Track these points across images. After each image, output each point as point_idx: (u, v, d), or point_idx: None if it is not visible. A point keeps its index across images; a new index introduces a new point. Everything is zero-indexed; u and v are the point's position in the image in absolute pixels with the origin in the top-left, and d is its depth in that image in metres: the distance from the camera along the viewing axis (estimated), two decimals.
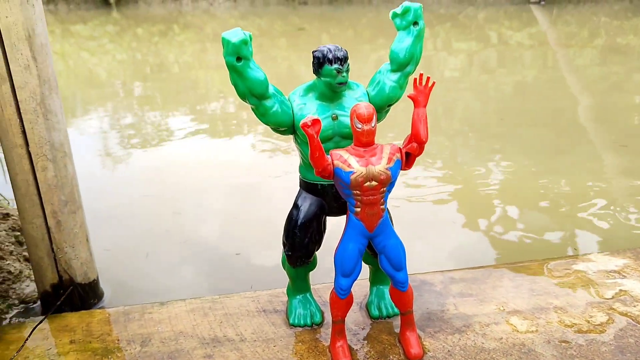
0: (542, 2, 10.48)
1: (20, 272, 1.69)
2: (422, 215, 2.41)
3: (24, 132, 1.37)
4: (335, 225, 1.43)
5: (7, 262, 1.68)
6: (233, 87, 1.18)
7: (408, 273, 1.25)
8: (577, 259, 1.63)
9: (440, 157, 3.11)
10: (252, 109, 1.22)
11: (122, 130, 3.86)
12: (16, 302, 1.64)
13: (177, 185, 2.73)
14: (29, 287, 1.67)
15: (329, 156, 1.14)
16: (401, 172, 1.18)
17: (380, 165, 1.13)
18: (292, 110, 1.24)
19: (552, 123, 3.72)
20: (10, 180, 1.45)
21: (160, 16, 11.24)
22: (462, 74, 5.41)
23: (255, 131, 3.53)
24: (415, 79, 1.14)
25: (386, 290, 1.44)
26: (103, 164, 3.19)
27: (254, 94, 1.18)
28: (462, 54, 6.37)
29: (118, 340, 1.39)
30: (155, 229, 2.28)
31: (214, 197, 2.60)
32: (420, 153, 1.17)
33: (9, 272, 1.66)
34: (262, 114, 1.22)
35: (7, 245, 1.74)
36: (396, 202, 2.45)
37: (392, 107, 1.30)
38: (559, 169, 2.83)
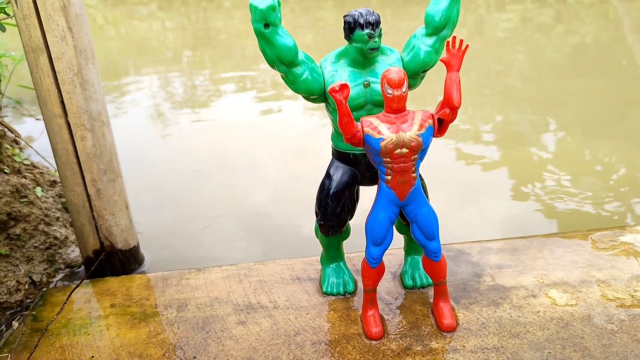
0: None
1: (66, 237, 1.76)
2: (471, 180, 2.35)
3: (62, 102, 1.40)
4: (371, 195, 1.41)
5: (54, 227, 1.75)
6: (262, 54, 1.16)
7: (445, 242, 1.22)
8: (625, 230, 1.55)
9: (491, 120, 3.01)
10: (282, 77, 1.20)
11: (171, 97, 3.91)
12: (62, 266, 1.71)
13: (224, 153, 2.76)
14: (74, 252, 1.74)
15: (359, 123, 1.12)
16: (446, 136, 1.14)
17: (411, 132, 1.10)
18: (323, 78, 1.21)
19: (611, 86, 3.53)
20: (52, 149, 1.49)
21: None
22: (516, 35, 5.19)
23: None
24: (448, 42, 1.10)
25: (421, 260, 1.42)
26: (150, 130, 3.25)
27: (282, 62, 1.16)
28: (516, 14, 6.10)
29: (156, 305, 1.43)
30: (199, 196, 2.31)
31: (262, 164, 2.61)
32: (453, 119, 1.12)
33: (55, 238, 1.73)
34: (292, 82, 1.19)
35: (53, 212, 1.80)
36: (443, 167, 2.39)
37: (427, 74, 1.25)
38: (616, 135, 2.69)
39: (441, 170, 2.38)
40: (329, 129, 1.32)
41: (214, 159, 2.69)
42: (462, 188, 2.28)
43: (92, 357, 1.27)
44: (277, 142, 2.85)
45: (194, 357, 1.24)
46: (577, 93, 3.41)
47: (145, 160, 2.71)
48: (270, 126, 3.14)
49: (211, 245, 1.95)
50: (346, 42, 1.19)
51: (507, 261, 1.46)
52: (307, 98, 1.25)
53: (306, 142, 2.79)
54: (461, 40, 1.09)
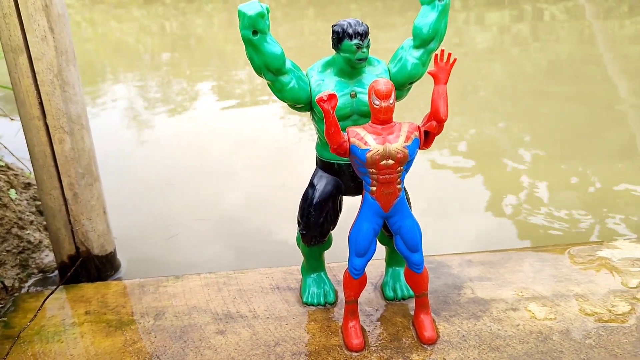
0: None
1: (40, 241, 1.71)
2: (446, 192, 2.36)
3: (41, 104, 1.37)
4: (352, 205, 1.40)
5: (27, 231, 1.70)
6: (249, 61, 1.15)
7: (425, 254, 1.23)
8: (602, 245, 1.57)
9: (467, 132, 3.04)
10: (269, 85, 1.19)
11: (148, 99, 3.87)
12: (35, 271, 1.67)
13: (202, 158, 2.73)
14: (48, 257, 1.69)
15: (345, 133, 1.12)
16: (425, 148, 1.14)
17: (397, 143, 1.10)
18: (310, 87, 1.21)
19: (586, 101, 3.60)
20: (29, 151, 1.46)
21: None
22: (494, 48, 5.26)
23: (282, 103, 3.51)
24: (436, 55, 1.10)
25: (402, 271, 1.41)
26: (128, 134, 3.21)
27: (270, 69, 1.15)
28: (494, 28, 6.20)
29: (132, 312, 1.40)
30: (177, 202, 2.28)
31: (241, 171, 2.59)
32: (439, 132, 1.13)
33: (29, 242, 1.69)
34: (279, 90, 1.19)
35: (27, 215, 1.76)
36: (419, 177, 2.40)
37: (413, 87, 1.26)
38: (590, 150, 2.74)
39: (415, 181, 2.39)
40: (307, 135, 1.32)
41: (193, 164, 2.67)
42: (436, 199, 2.29)
43: None
44: (257, 148, 2.83)
45: None
46: (552, 108, 3.47)
47: (122, 165, 2.67)
48: (249, 132, 3.13)
49: (190, 251, 1.92)
50: (333, 52, 1.19)
51: (487, 274, 1.46)
52: (293, 107, 1.24)
53: (285, 149, 2.78)
54: (449, 54, 1.10)
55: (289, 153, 2.72)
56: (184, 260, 1.87)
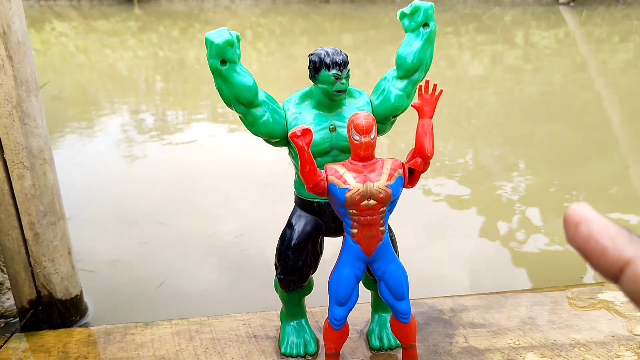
0: (572, 4, 10.18)
1: (2, 283, 1.60)
2: (438, 220, 2.27)
3: None
4: (337, 245, 1.30)
5: None
6: (218, 93, 1.06)
7: (414, 296, 1.12)
8: (604, 287, 1.47)
9: (460, 158, 2.96)
10: (240, 118, 1.10)
11: (141, 128, 3.78)
12: None
13: (189, 192, 2.63)
14: (10, 301, 1.58)
15: (323, 171, 1.02)
16: (410, 187, 1.05)
17: (379, 182, 1.00)
18: (286, 120, 1.11)
19: (577, 129, 3.54)
20: None
21: (182, 13, 11.22)
22: (487, 76, 5.23)
23: None
24: (420, 87, 1.01)
25: (389, 318, 1.31)
26: (117, 165, 3.11)
27: (240, 102, 1.05)
28: (487, 56, 6.18)
29: None
30: (153, 235, 2.17)
31: (224, 203, 2.49)
32: (425, 169, 1.03)
33: None
34: (251, 124, 1.09)
35: None
36: (410, 205, 2.31)
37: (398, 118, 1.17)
38: (582, 178, 2.66)
39: (406, 207, 2.30)
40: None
41: (179, 199, 2.56)
42: (427, 226, 2.20)
43: None
44: (242, 181, 2.74)
45: None
46: (545, 135, 3.41)
47: (110, 196, 2.57)
48: (240, 159, 3.04)
49: (165, 291, 1.81)
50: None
51: (481, 320, 1.35)
52: (268, 141, 1.14)
53: (276, 183, 2.68)
54: (435, 85, 1.01)
55: (279, 185, 2.63)
56: (159, 301, 1.75)
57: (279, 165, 2.84)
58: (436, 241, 2.10)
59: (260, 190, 2.59)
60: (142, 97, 4.81)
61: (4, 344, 1.32)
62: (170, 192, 2.61)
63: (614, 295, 1.43)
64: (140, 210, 2.42)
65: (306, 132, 0.96)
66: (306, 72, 1.10)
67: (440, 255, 2.01)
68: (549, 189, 2.54)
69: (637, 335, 1.28)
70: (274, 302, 1.42)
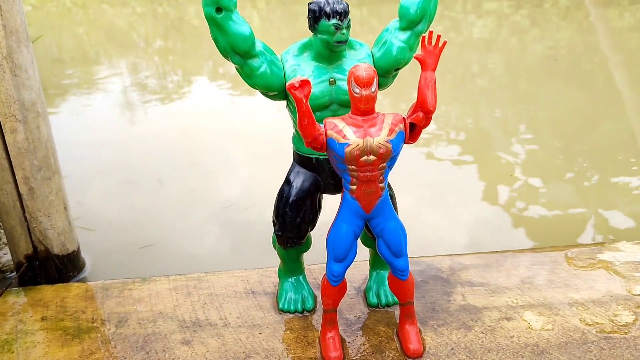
0: None
1: None
2: (439, 182, 2.25)
3: None
4: (334, 203, 1.28)
5: None
6: (213, 42, 1.03)
7: (413, 254, 1.11)
8: (603, 247, 1.46)
9: (462, 122, 2.93)
10: (237, 69, 1.07)
11: (141, 86, 3.74)
12: None
13: (189, 147, 2.60)
14: (7, 256, 1.57)
15: (322, 125, 0.99)
16: (410, 143, 1.03)
17: (379, 137, 0.98)
18: (284, 72, 1.08)
19: (582, 93, 3.49)
20: None
21: None
22: (491, 37, 5.13)
23: None
24: (423, 38, 0.98)
25: (387, 275, 1.30)
26: (118, 123, 3.07)
27: (237, 52, 1.02)
28: (492, 16, 6.05)
29: (93, 319, 1.28)
30: (154, 194, 2.16)
31: (225, 161, 2.46)
32: (426, 124, 1.01)
33: None
34: (248, 75, 1.06)
35: None
36: (410, 166, 2.29)
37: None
38: (586, 143, 2.63)
39: (408, 170, 2.28)
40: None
41: (179, 158, 2.54)
42: (429, 189, 2.19)
43: None
44: (244, 140, 2.71)
45: None
46: (550, 99, 3.36)
47: (110, 155, 2.55)
48: (241, 119, 3.01)
49: (162, 248, 1.80)
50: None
51: (479, 278, 1.35)
52: (265, 94, 1.11)
53: (277, 141, 2.65)
54: (438, 36, 0.97)
55: (279, 143, 2.60)
56: (156, 257, 1.75)
57: (280, 125, 2.80)
58: (436, 205, 2.08)
59: (261, 149, 2.56)
60: (142, 55, 4.73)
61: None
62: (170, 152, 2.58)
63: (614, 255, 1.42)
64: (140, 169, 2.40)
65: (305, 83, 0.93)
66: (309, 33, 1.06)
67: (440, 218, 2.00)
68: (552, 153, 2.51)
69: (636, 295, 1.27)
70: (273, 260, 1.42)
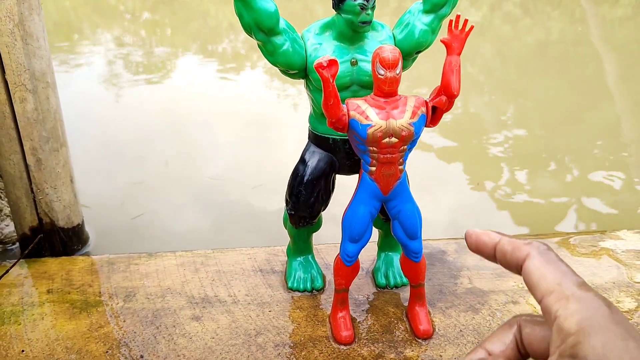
0: None
1: (0, 210, 1.57)
2: (426, 169, 2.27)
3: None
4: (342, 184, 1.29)
5: None
6: (238, 18, 1.01)
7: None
8: (605, 235, 1.49)
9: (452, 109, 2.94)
10: (259, 46, 1.06)
11: (127, 60, 3.67)
12: None
13: (179, 124, 2.58)
14: (9, 227, 1.55)
15: (344, 105, 0.99)
16: (432, 126, 1.03)
17: (402, 120, 0.98)
18: (305, 51, 1.07)
19: (571, 84, 3.52)
20: None
21: None
22: (483, 25, 5.14)
23: (265, 67, 3.35)
24: (450, 21, 0.97)
25: (395, 257, 1.31)
26: (102, 96, 3.03)
27: (261, 28, 1.01)
28: (485, 5, 6.06)
29: (100, 292, 1.28)
30: (154, 171, 2.14)
31: (219, 139, 2.45)
32: (449, 108, 1.01)
33: None
34: (270, 53, 1.05)
35: None
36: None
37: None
38: (573, 134, 2.66)
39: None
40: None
41: (170, 129, 2.51)
42: (416, 177, 2.20)
43: (22, 351, 1.11)
44: (236, 116, 2.69)
45: (141, 357, 1.10)
46: (539, 88, 3.39)
47: (93, 128, 2.51)
48: (229, 98, 2.97)
49: (165, 225, 1.79)
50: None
51: (485, 262, 1.37)
52: (285, 72, 1.10)
53: (267, 118, 2.64)
54: (465, 20, 0.97)
55: (269, 121, 2.58)
56: (160, 234, 1.74)
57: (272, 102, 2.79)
58: (422, 191, 2.09)
59: (247, 131, 2.55)
60: (128, 28, 4.65)
61: (7, 271, 1.31)
62: (170, 129, 2.56)
63: (615, 243, 1.45)
64: (131, 146, 2.38)
65: (332, 62, 0.92)
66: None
67: (426, 208, 2.00)
68: (537, 145, 2.54)
69: (637, 282, 1.30)
70: (276, 240, 1.43)
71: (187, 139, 2.43)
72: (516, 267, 0.43)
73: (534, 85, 3.42)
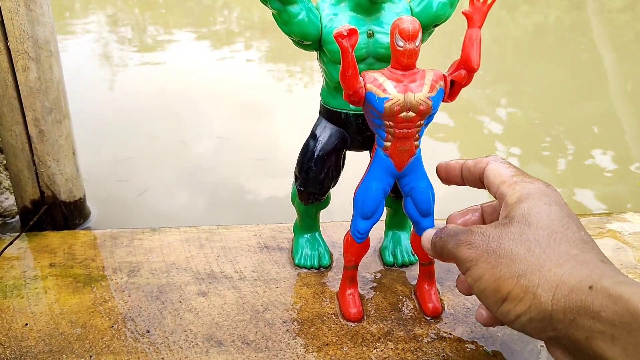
0: None
1: (0, 182, 1.54)
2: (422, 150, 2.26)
3: (1, 22, 1.17)
4: (352, 160, 1.27)
5: None
6: None
7: None
8: (611, 217, 1.49)
9: None
10: (274, 15, 1.03)
11: (121, 35, 3.61)
12: None
13: (175, 100, 2.54)
14: (8, 200, 1.52)
15: (361, 78, 0.97)
16: (449, 101, 1.01)
17: (421, 93, 0.96)
18: (321, 21, 1.05)
19: (568, 70, 3.51)
20: None
21: None
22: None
23: (260, 49, 3.31)
24: None
25: (403, 235, 1.30)
26: (97, 71, 2.98)
27: None
28: None
29: (103, 267, 1.25)
30: (154, 147, 2.11)
31: (216, 117, 2.41)
32: (468, 82, 0.99)
33: None
34: (285, 22, 1.02)
35: None
36: None
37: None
38: (567, 120, 2.66)
39: None
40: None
41: (166, 106, 2.48)
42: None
43: (26, 324, 1.09)
44: (229, 95, 2.65)
45: (148, 331, 1.08)
46: (535, 73, 3.38)
47: (91, 103, 2.47)
48: (223, 78, 2.94)
49: (168, 202, 1.77)
50: None
51: None
52: (298, 43, 1.08)
53: (259, 98, 2.60)
54: None
55: (262, 101, 2.55)
56: (162, 210, 1.72)
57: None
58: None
59: (242, 109, 2.52)
60: (121, 7, 4.57)
61: (10, 243, 1.28)
62: (169, 105, 2.52)
63: (621, 225, 1.45)
64: (132, 121, 2.34)
65: (353, 32, 0.89)
66: None
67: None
68: (531, 130, 2.53)
69: None
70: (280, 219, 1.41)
71: (184, 113, 2.40)
72: (479, 178, 0.54)
73: (530, 71, 3.41)
